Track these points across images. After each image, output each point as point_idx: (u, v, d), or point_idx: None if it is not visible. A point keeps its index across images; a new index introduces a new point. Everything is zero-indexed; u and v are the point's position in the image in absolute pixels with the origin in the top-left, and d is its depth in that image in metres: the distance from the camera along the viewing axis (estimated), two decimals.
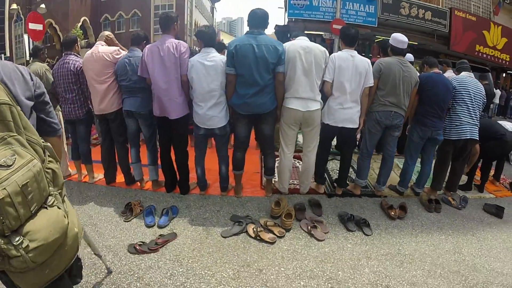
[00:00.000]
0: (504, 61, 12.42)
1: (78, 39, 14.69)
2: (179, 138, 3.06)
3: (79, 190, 3.35)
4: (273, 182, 3.24)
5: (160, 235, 2.47)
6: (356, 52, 2.85)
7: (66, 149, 3.61)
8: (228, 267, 2.12)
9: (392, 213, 2.82)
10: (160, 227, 2.61)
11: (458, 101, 3.11)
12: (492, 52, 11.88)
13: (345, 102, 2.80)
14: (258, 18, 2.66)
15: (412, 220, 2.85)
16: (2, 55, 27.49)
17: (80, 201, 3.11)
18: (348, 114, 2.83)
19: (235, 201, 3.09)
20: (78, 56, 3.29)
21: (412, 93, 2.99)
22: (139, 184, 3.38)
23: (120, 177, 3.47)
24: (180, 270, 2.10)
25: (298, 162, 3.88)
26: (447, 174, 3.41)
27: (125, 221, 2.72)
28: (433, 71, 3.15)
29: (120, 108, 3.13)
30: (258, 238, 2.40)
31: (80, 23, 25.55)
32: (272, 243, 2.37)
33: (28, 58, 12.22)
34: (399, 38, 2.96)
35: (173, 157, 3.13)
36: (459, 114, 3.09)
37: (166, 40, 2.77)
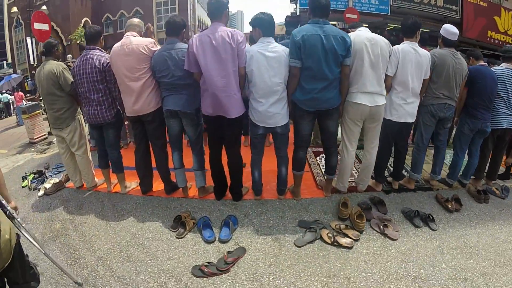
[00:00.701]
0: None
1: (83, 40, 14.23)
2: (234, 139, 2.78)
3: (111, 202, 3.08)
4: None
5: (228, 252, 2.20)
6: (417, 44, 2.71)
7: (90, 157, 3.37)
8: (314, 280, 1.99)
9: (450, 206, 2.81)
10: (222, 242, 2.34)
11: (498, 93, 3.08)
12: (504, 37, 11.74)
13: (408, 97, 2.70)
14: (322, 6, 2.42)
15: (467, 212, 2.85)
16: (4, 62, 27.58)
17: (116, 216, 2.83)
18: (411, 109, 2.74)
19: (296, 205, 2.89)
20: (103, 50, 2.95)
21: (461, 85, 2.93)
22: (182, 192, 3.08)
23: (156, 185, 3.20)
24: None
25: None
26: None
27: (178, 238, 2.44)
28: (479, 64, 3.11)
29: (158, 108, 2.80)
30: (335, 244, 2.28)
31: (81, 25, 25.30)
32: (350, 248, 2.27)
33: (32, 61, 12.11)
34: (450, 30, 2.87)
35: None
36: (496, 105, 3.08)
37: (218, 28, 2.44)
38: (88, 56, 2.83)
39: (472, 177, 3.37)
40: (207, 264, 2.06)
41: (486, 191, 3.15)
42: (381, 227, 2.45)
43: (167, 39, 2.74)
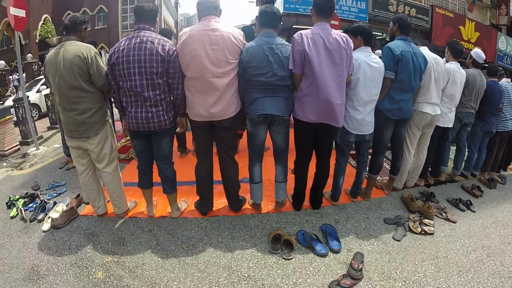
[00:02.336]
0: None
1: (50, 36, 16.11)
2: (329, 147, 2.70)
3: (166, 231, 2.55)
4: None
5: (353, 258, 2.18)
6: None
7: (120, 173, 2.77)
8: (427, 264, 2.25)
9: (476, 192, 3.53)
10: (336, 251, 2.28)
11: (504, 103, 3.83)
12: (467, 45, 13.07)
13: (452, 107, 3.26)
14: (408, 25, 2.80)
15: (486, 196, 3.58)
16: None
17: (184, 249, 2.34)
18: (452, 116, 3.29)
19: (370, 205, 3.11)
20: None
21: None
22: (254, 207, 2.83)
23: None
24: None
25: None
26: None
27: (288, 259, 2.20)
28: (491, 80, 3.77)
29: (238, 112, 2.46)
30: (422, 232, 2.64)
31: (41, 22, 23.63)
32: (432, 234, 2.64)
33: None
34: (480, 55, 3.58)
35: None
36: (505, 112, 3.86)
37: (329, 29, 2.30)
38: (144, 38, 2.18)
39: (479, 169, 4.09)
40: (344, 275, 2.01)
41: (493, 179, 3.98)
42: (443, 213, 2.95)
43: (262, 30, 2.38)
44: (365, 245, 2.44)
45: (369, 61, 2.55)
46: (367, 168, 3.10)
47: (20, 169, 4.53)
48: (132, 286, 1.98)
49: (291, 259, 2.21)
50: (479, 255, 2.41)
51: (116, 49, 2.24)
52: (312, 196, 2.91)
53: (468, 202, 3.24)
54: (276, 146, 2.61)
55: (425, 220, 2.82)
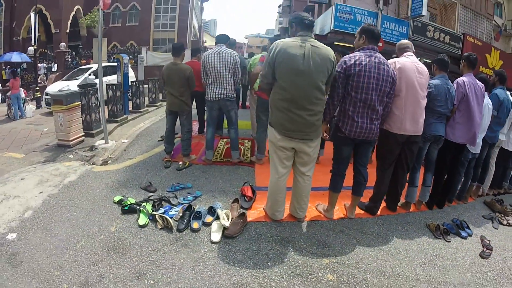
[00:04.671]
0: None
1: (96, 25, 17.04)
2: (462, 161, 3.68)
3: (358, 230, 2.98)
4: None
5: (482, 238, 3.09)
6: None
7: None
8: None
9: None
10: (471, 235, 3.18)
11: None
12: (491, 72, 14.38)
13: None
14: (505, 77, 3.82)
15: None
16: None
17: (385, 243, 2.82)
18: None
19: (467, 207, 3.96)
20: None
21: None
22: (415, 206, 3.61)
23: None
24: None
25: None
26: None
27: (447, 241, 2.97)
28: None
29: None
30: (507, 224, 3.61)
31: (73, 12, 23.89)
32: None
33: (33, 43, 10.55)
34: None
35: None
36: None
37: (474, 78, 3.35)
38: (381, 60, 2.67)
39: None
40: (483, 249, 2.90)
41: None
42: None
43: (438, 71, 3.33)
44: (481, 231, 3.34)
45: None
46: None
47: (100, 165, 4.43)
48: (368, 279, 2.26)
49: (450, 241, 2.99)
50: None
51: (358, 62, 2.61)
52: (440, 199, 3.75)
53: None
54: (432, 158, 3.48)
55: (505, 217, 3.84)
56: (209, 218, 2.85)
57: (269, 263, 2.34)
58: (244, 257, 2.40)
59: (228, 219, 2.77)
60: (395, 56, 3.22)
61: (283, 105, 2.56)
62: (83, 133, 5.67)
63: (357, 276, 2.31)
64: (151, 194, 3.39)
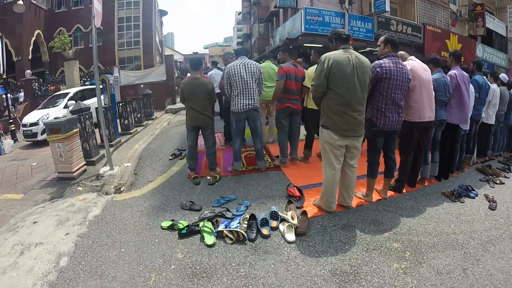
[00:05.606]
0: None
1: (66, 48, 14.35)
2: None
3: (391, 210, 3.45)
4: None
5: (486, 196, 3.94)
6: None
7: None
8: None
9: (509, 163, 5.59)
10: (477, 195, 3.95)
11: None
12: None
13: (495, 111, 5.44)
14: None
15: None
16: None
17: (420, 219, 3.30)
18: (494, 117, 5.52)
19: (467, 174, 4.89)
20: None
21: None
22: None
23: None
24: None
25: None
26: None
27: (462, 202, 3.71)
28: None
29: None
30: (499, 183, 4.55)
31: (34, 38, 22.89)
32: (503, 184, 4.58)
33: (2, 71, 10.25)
34: (506, 77, 5.65)
35: None
36: None
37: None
38: (400, 65, 3.32)
39: None
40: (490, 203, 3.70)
41: None
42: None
43: (434, 68, 4.03)
44: (483, 190, 4.17)
45: None
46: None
47: (114, 193, 4.24)
48: (422, 240, 2.87)
49: (464, 202, 3.78)
50: None
51: (388, 68, 3.25)
52: (445, 171, 4.50)
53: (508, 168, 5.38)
54: (437, 138, 4.24)
55: (497, 178, 4.77)
56: (273, 223, 3.04)
57: (346, 247, 2.74)
58: (324, 247, 2.73)
59: (293, 219, 3.01)
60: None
61: (339, 109, 3.02)
62: (85, 162, 5.24)
63: (413, 240, 2.91)
64: (206, 212, 3.35)
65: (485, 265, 2.57)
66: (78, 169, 4.95)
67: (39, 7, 23.82)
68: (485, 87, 4.95)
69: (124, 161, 5.74)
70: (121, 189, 4.39)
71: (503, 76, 5.82)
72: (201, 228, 2.92)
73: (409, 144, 3.80)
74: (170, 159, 5.68)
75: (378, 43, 3.57)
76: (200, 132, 4.60)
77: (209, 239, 2.79)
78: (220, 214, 3.27)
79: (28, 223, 3.45)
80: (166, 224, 3.14)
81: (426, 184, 4.37)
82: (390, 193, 3.93)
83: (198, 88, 4.36)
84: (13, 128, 10.10)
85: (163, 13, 35.22)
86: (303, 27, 13.41)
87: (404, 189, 4.07)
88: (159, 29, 34.44)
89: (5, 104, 13.82)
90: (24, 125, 8.90)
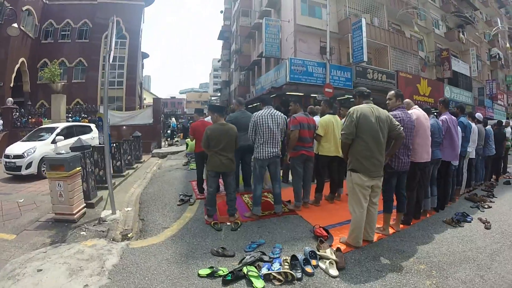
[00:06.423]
0: (430, 104, 17.58)
1: (56, 81, 13.35)
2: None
3: (407, 240, 3.92)
4: None
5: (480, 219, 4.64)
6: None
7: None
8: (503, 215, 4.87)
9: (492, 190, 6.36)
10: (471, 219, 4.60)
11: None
12: (423, 98, 17.44)
13: (475, 146, 6.27)
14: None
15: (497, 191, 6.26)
16: None
17: (434, 244, 3.76)
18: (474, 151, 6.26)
19: (459, 203, 5.56)
20: None
21: None
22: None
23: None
24: None
25: None
26: None
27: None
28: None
29: None
30: (487, 207, 5.31)
31: (18, 65, 22.27)
32: (490, 207, 5.35)
33: None
34: (481, 116, 6.54)
35: None
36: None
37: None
38: (409, 115, 4.05)
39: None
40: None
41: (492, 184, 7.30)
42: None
43: (428, 115, 4.50)
44: (476, 214, 4.93)
45: None
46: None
47: (126, 239, 4.00)
48: (442, 260, 3.37)
49: (463, 226, 4.41)
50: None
51: (401, 118, 3.90)
52: (441, 202, 5.05)
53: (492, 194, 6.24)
54: (434, 174, 4.83)
55: (484, 203, 5.48)
56: (313, 261, 3.21)
57: (383, 274, 3.09)
58: (365, 277, 3.03)
59: (332, 256, 3.26)
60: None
61: (367, 154, 3.48)
62: (85, 204, 4.84)
63: (434, 260, 3.38)
64: (247, 256, 3.28)
65: (496, 271, 3.18)
66: (79, 211, 4.56)
67: (26, 35, 23.31)
68: (469, 126, 5.81)
69: (123, 205, 5.39)
70: (129, 235, 4.15)
71: (478, 115, 6.86)
72: (247, 273, 2.91)
73: (413, 181, 4.33)
74: (178, 205, 5.47)
75: (389, 97, 4.21)
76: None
77: (258, 283, 2.78)
78: (259, 258, 3.26)
79: (30, 270, 3.07)
80: (204, 272, 3.02)
81: (428, 215, 4.92)
82: (400, 225, 4.37)
83: (226, 134, 4.45)
84: None
85: (144, 55, 35.45)
86: (288, 77, 14.29)
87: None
88: (140, 71, 34.23)
89: None
90: (7, 156, 8.25)
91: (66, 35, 26.87)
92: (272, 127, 4.55)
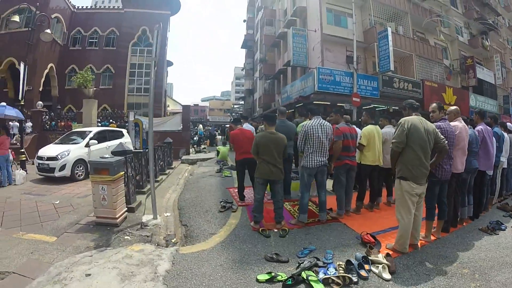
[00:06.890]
0: None
1: (88, 86, 14.22)
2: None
3: (441, 250, 3.95)
4: None
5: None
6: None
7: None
8: None
9: None
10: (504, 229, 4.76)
11: None
12: (448, 108, 17.27)
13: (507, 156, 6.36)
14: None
15: None
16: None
17: (467, 251, 3.98)
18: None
19: (491, 212, 5.75)
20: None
21: None
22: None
23: None
24: None
25: None
26: None
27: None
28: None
29: None
30: None
31: (47, 70, 23.44)
32: None
33: (20, 97, 9.48)
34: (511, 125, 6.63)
35: None
36: None
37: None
38: (451, 126, 4.31)
39: None
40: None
41: None
42: None
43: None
44: (510, 223, 5.10)
45: None
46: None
47: (171, 245, 4.05)
48: (483, 264, 3.62)
49: (498, 234, 4.62)
50: None
51: (445, 130, 4.17)
52: (476, 211, 5.26)
53: None
54: (471, 184, 5.04)
55: None
56: (366, 266, 3.37)
57: (431, 277, 3.35)
58: (415, 280, 3.28)
59: (384, 260, 3.46)
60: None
61: (416, 162, 3.73)
62: (126, 208, 4.86)
63: (475, 265, 3.65)
64: (306, 261, 3.38)
65: None
66: (121, 215, 4.60)
67: (55, 41, 24.26)
68: (502, 137, 6.11)
69: (162, 210, 5.42)
70: (173, 240, 4.24)
71: (509, 125, 7.03)
72: (307, 278, 3.05)
73: (449, 189, 4.54)
74: (220, 211, 5.59)
75: (432, 109, 4.54)
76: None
77: (319, 287, 2.94)
78: (315, 263, 3.39)
79: (77, 274, 3.04)
80: (263, 277, 3.11)
81: (464, 224, 5.21)
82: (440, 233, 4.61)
83: (275, 142, 4.60)
84: (23, 158, 9.55)
85: (169, 63, 36.50)
86: (316, 86, 14.53)
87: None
88: (165, 79, 35.50)
89: (11, 131, 13.74)
90: (40, 158, 8.42)
91: (93, 42, 28.15)
92: (321, 136, 4.71)
